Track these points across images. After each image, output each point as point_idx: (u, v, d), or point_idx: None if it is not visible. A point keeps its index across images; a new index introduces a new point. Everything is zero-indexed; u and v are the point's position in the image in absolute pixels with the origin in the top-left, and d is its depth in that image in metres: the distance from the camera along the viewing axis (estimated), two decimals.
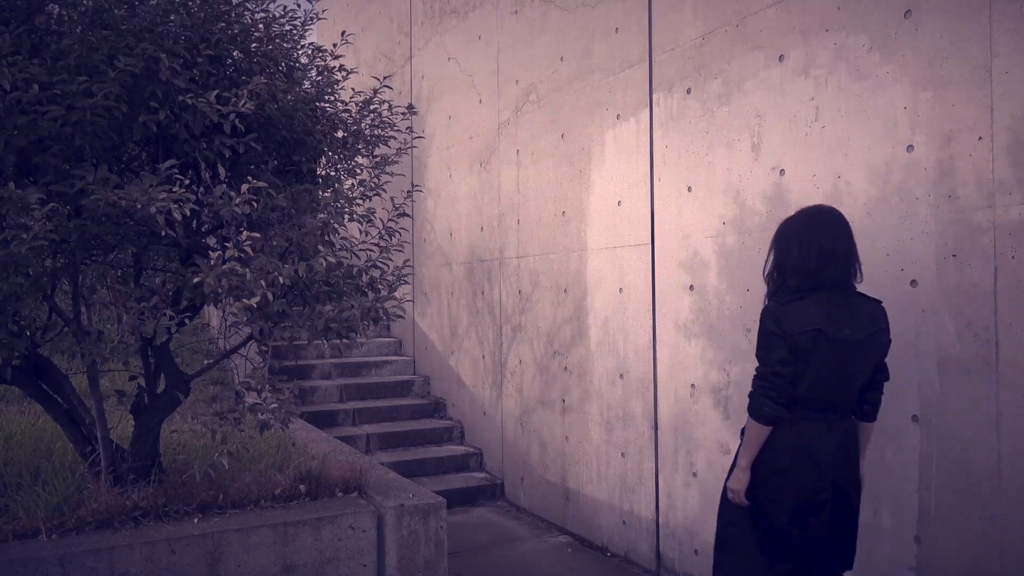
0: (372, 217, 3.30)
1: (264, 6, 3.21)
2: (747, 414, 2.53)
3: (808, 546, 2.49)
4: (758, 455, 2.52)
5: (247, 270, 2.56)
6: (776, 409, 2.45)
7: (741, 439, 2.63)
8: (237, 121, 2.75)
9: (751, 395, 2.51)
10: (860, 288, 2.61)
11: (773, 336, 2.45)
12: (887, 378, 2.65)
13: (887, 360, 2.61)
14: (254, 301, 2.52)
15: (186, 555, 2.80)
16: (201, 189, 3.00)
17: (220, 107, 2.72)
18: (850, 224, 2.58)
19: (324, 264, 2.74)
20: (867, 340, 2.49)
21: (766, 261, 2.67)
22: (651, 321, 4.14)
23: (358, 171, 3.54)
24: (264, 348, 2.86)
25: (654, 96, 4.11)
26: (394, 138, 3.63)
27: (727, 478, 2.65)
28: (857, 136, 3.02)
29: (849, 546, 2.59)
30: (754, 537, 2.55)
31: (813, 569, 2.53)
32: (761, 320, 2.51)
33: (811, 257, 2.48)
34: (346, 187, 3.36)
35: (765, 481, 2.51)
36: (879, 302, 2.60)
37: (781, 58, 3.34)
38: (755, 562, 2.54)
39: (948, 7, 2.71)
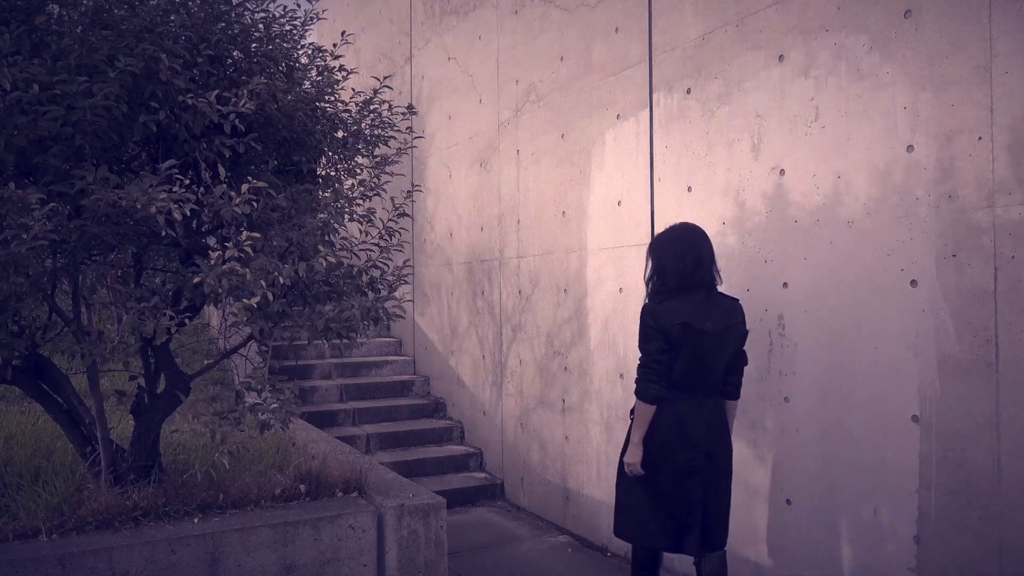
0: (372, 217, 3.30)
1: (264, 6, 3.21)
2: (635, 397, 2.96)
3: (689, 504, 2.95)
4: (648, 431, 2.96)
5: (247, 270, 2.56)
6: (659, 390, 2.92)
7: (631, 420, 3.02)
8: (237, 121, 2.75)
9: (638, 380, 2.95)
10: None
11: (651, 329, 2.93)
12: (746, 362, 3.14)
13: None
14: (254, 301, 2.52)
15: (186, 555, 2.80)
16: (201, 189, 3.00)
17: (220, 107, 2.72)
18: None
19: (324, 264, 2.74)
20: (726, 331, 3.00)
21: (645, 268, 3.13)
22: None
23: (358, 171, 3.54)
24: (264, 348, 2.86)
25: (654, 96, 4.11)
26: (394, 138, 3.63)
27: (622, 453, 3.06)
28: (857, 136, 3.02)
29: (726, 507, 3.05)
30: (648, 501, 2.99)
31: (697, 522, 2.95)
32: (641, 317, 2.97)
33: (687, 262, 2.98)
34: (346, 187, 3.36)
35: (651, 453, 2.97)
36: (736, 300, 3.11)
37: (781, 58, 3.34)
38: (649, 521, 3.00)
39: (948, 7, 2.71)
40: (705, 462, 2.97)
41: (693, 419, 2.96)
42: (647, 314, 2.95)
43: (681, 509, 2.95)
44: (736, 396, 3.15)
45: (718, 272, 3.07)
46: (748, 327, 3.53)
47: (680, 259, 2.98)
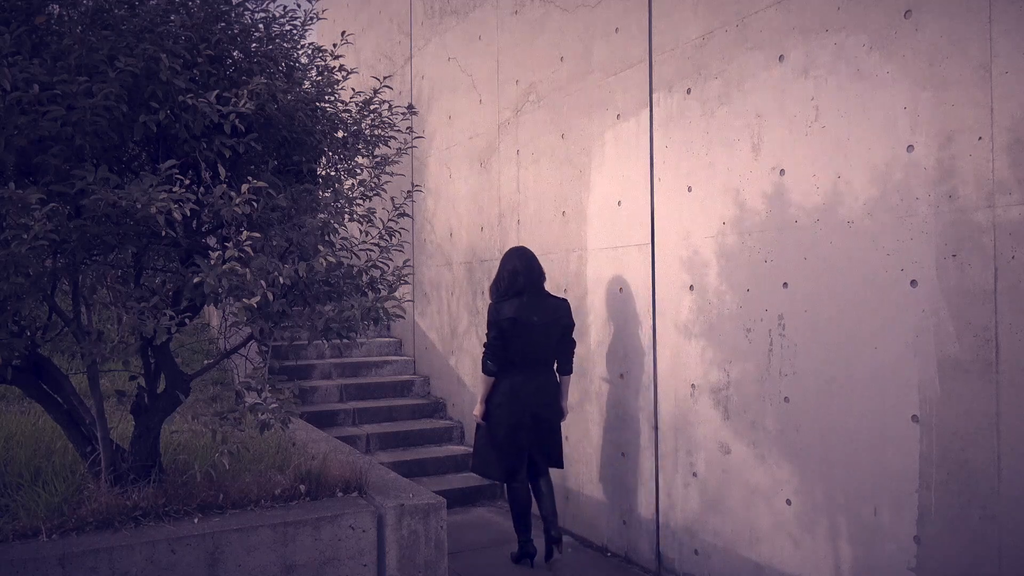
0: (372, 217, 3.29)
1: (264, 6, 3.21)
2: (480, 370, 4.17)
3: (518, 449, 4.16)
4: (492, 396, 4.18)
5: (247, 270, 2.56)
6: (493, 367, 4.14)
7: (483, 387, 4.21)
8: (237, 121, 2.75)
9: (482, 358, 4.14)
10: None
11: (491, 322, 4.12)
12: (574, 345, 4.33)
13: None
14: (254, 301, 2.52)
15: (186, 555, 2.80)
16: (201, 189, 3.00)
17: (220, 107, 2.72)
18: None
19: (324, 264, 2.74)
20: (550, 323, 4.17)
21: (492, 280, 4.28)
22: (651, 321, 4.14)
23: (358, 171, 3.54)
24: (264, 348, 2.86)
25: (654, 96, 4.11)
26: (394, 138, 3.63)
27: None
28: (857, 136, 3.02)
29: (553, 450, 4.27)
30: (491, 447, 4.18)
31: (523, 462, 4.17)
32: (488, 312, 4.15)
33: (505, 274, 4.20)
34: (346, 187, 3.36)
35: (493, 411, 4.18)
36: (564, 300, 4.32)
37: (781, 58, 3.34)
38: (492, 460, 4.19)
39: (948, 7, 2.71)
40: (531, 420, 4.15)
41: (524, 388, 4.13)
42: (489, 311, 4.15)
43: (512, 453, 4.14)
44: (568, 372, 4.33)
45: (544, 277, 4.24)
46: (748, 327, 3.55)
47: (502, 273, 4.21)
